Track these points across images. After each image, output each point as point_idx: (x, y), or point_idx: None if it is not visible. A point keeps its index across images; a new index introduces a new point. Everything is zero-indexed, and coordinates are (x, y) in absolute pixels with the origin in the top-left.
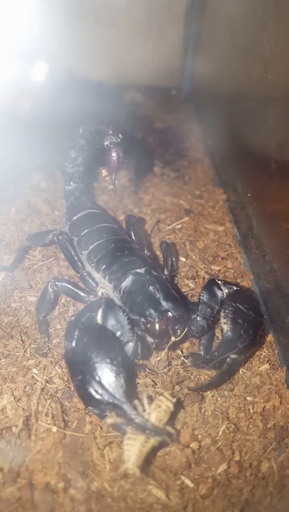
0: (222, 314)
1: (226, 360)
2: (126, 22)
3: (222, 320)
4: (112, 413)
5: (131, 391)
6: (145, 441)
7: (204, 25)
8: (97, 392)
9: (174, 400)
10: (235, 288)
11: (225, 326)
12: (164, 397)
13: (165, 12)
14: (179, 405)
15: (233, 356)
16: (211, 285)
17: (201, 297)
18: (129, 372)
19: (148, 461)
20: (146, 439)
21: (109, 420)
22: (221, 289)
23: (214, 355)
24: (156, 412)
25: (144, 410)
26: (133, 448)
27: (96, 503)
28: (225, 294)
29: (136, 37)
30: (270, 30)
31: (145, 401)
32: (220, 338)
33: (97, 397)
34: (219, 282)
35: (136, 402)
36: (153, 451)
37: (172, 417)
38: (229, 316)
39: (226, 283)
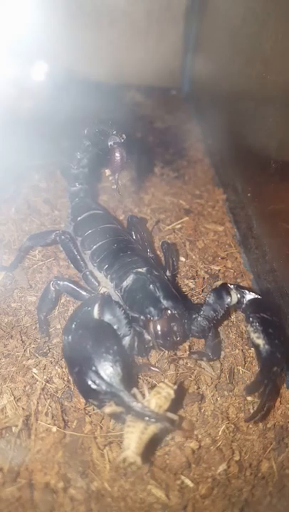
0: (251, 329)
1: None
2: (126, 22)
3: (253, 335)
4: (110, 402)
5: (130, 379)
6: (145, 428)
7: (204, 25)
8: (94, 382)
9: (175, 386)
10: (249, 293)
11: (259, 340)
12: (165, 383)
13: (165, 12)
14: (180, 392)
15: (274, 369)
16: (220, 289)
17: (207, 299)
18: (126, 360)
19: (148, 461)
20: (146, 425)
21: (108, 409)
22: (230, 295)
23: (264, 374)
24: (155, 399)
25: (144, 397)
26: (132, 435)
27: (96, 502)
28: (236, 300)
29: (136, 37)
30: (270, 30)
31: (145, 388)
32: (256, 353)
33: (94, 386)
34: (231, 287)
35: (135, 389)
36: (154, 447)
37: (174, 404)
38: (259, 328)
39: (238, 287)
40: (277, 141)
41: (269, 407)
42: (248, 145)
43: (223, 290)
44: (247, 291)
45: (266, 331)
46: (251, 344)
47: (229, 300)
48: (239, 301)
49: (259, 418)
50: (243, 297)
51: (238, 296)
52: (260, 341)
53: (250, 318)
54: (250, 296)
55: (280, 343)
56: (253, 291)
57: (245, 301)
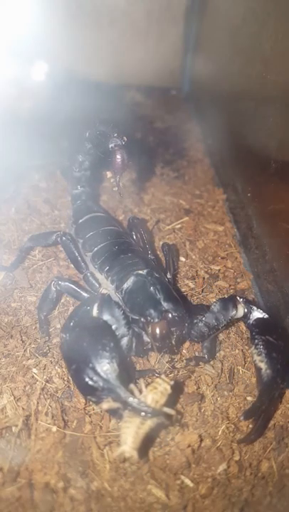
0: (255, 351)
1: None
2: (126, 22)
3: (256, 357)
4: (108, 398)
5: (127, 375)
6: (141, 423)
7: (204, 25)
8: (91, 378)
9: (172, 382)
10: (257, 311)
11: (261, 364)
12: (161, 379)
13: (165, 12)
14: (178, 388)
15: (273, 393)
16: (228, 300)
17: (213, 306)
18: (123, 357)
19: (146, 458)
20: (143, 421)
21: (105, 405)
22: (237, 309)
23: (262, 399)
24: (152, 394)
25: (141, 393)
26: (129, 430)
27: (96, 502)
28: (242, 314)
29: (136, 37)
30: (270, 30)
31: (142, 384)
32: (256, 374)
33: (91, 383)
34: (239, 300)
35: (132, 385)
36: (153, 446)
37: (172, 400)
38: (263, 352)
39: (247, 302)
40: (277, 141)
41: (264, 427)
42: (248, 145)
43: (230, 302)
44: (255, 308)
45: (270, 355)
46: (255, 366)
47: (234, 313)
48: (245, 316)
49: (253, 439)
50: (250, 313)
51: (245, 310)
52: (263, 365)
53: (256, 340)
54: (257, 313)
55: (282, 368)
56: (261, 309)
57: (251, 318)
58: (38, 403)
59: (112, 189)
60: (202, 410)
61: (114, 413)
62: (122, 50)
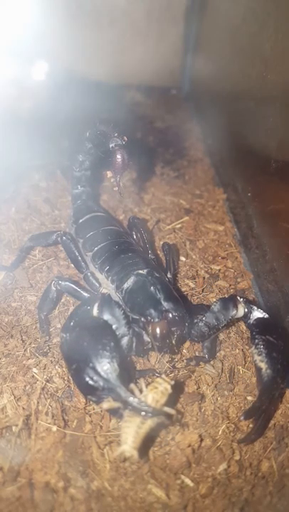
0: (255, 351)
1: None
2: (126, 22)
3: (257, 357)
4: (108, 398)
5: (127, 375)
6: (142, 423)
7: (204, 25)
8: (91, 378)
9: (172, 382)
10: (257, 311)
11: (262, 363)
12: (162, 379)
13: (165, 12)
14: (178, 388)
15: (273, 393)
16: (228, 300)
17: (213, 306)
18: (123, 357)
19: (146, 457)
20: (143, 420)
21: (105, 405)
22: (237, 309)
23: (262, 399)
24: (152, 393)
25: (141, 393)
26: (129, 430)
27: (96, 502)
28: (242, 314)
29: (136, 37)
30: (270, 30)
31: (143, 384)
32: (257, 375)
33: (92, 383)
34: (239, 300)
35: (132, 385)
36: (154, 446)
37: (172, 400)
38: (263, 352)
39: (247, 302)
40: (277, 141)
41: (264, 427)
42: (248, 145)
43: (230, 302)
44: (255, 308)
45: (270, 355)
46: (255, 366)
47: (234, 313)
48: (246, 316)
49: (253, 438)
50: (251, 313)
51: (246, 310)
52: (263, 365)
53: (256, 340)
54: (257, 313)
55: (282, 368)
56: (261, 309)
57: (252, 317)
58: (38, 403)
59: (113, 189)
60: (202, 410)
61: (114, 413)
62: (122, 50)
